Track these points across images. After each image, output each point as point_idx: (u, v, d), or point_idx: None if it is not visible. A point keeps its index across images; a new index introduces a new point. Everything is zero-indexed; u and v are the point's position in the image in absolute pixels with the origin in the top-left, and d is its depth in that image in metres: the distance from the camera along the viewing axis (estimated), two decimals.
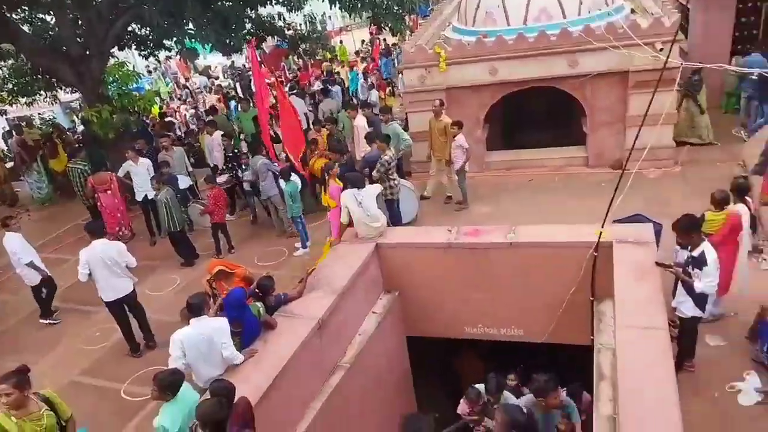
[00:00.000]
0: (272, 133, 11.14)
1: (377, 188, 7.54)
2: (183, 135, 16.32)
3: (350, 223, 7.14)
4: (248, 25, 13.07)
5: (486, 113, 10.37)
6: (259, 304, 5.49)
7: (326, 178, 8.41)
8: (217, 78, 25.83)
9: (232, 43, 12.71)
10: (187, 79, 25.64)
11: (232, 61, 24.12)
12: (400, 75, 13.70)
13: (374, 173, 8.27)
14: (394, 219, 8.45)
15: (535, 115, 11.45)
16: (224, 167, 10.64)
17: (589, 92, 9.59)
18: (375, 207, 7.10)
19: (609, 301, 5.83)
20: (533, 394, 5.08)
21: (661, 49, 8.42)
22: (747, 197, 6.09)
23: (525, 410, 4.63)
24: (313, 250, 8.65)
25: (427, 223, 8.97)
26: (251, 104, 13.52)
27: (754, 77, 9.40)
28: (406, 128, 10.72)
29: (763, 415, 5.05)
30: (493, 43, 9.67)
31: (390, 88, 17.64)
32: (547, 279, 6.35)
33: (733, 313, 6.19)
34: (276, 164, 9.46)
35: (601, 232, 5.70)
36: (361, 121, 10.14)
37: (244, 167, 10.03)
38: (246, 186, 10.02)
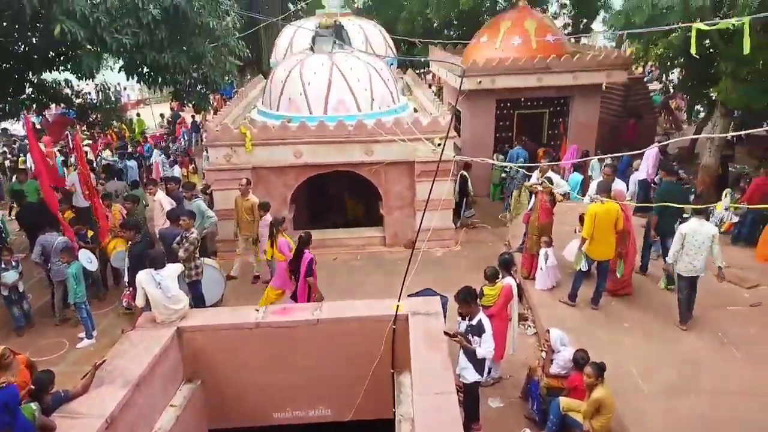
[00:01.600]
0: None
1: (178, 268, 7.18)
2: None
3: (147, 306, 6.63)
4: (29, 90, 11.81)
5: (292, 194, 10.74)
6: (33, 404, 4.70)
7: (275, 232, 8.21)
8: None
9: (7, 108, 11.32)
10: None
11: (4, 128, 21.25)
12: (204, 152, 13.50)
13: (181, 252, 7.90)
14: (198, 301, 8.09)
15: (338, 196, 12.21)
16: None
17: (383, 178, 10.61)
18: (176, 288, 6.71)
19: (407, 372, 6.26)
20: None
21: (439, 144, 9.83)
22: (512, 271, 7.24)
23: None
24: (102, 341, 7.77)
25: (233, 304, 8.75)
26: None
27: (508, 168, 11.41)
28: (210, 205, 10.50)
29: None
30: (297, 128, 10.22)
31: (193, 165, 17.19)
32: (353, 354, 6.59)
33: (508, 375, 7.11)
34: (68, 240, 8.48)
35: (398, 306, 6.20)
36: (161, 198, 9.66)
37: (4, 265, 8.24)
38: (3, 291, 8.28)
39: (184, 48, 9.94)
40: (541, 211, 8.66)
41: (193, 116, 22.38)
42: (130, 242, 8.32)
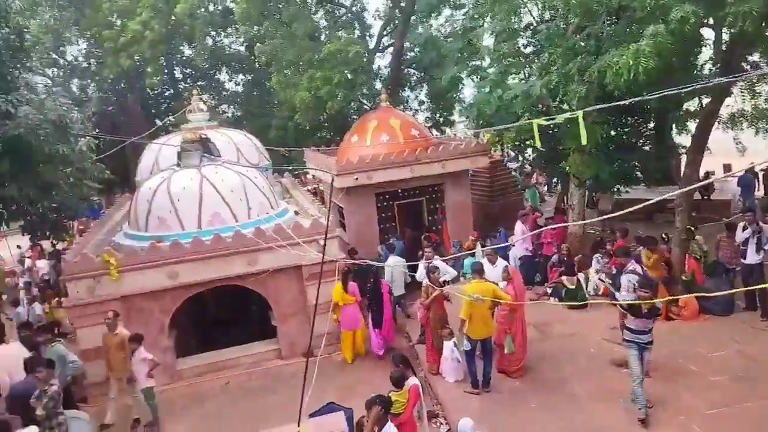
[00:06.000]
0: None
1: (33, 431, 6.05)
2: None
3: None
4: None
5: (171, 318, 9.83)
6: None
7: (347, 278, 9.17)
8: None
9: None
10: None
11: None
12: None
13: (38, 410, 6.67)
14: None
15: (225, 313, 11.42)
16: None
17: (272, 287, 10.11)
18: None
19: None
20: None
21: (324, 245, 9.66)
22: (413, 367, 6.99)
23: None
24: None
25: None
26: None
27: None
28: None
29: None
30: (169, 248, 9.55)
31: (57, 299, 15.34)
32: None
33: None
34: None
35: None
36: (7, 352, 8.27)
37: None
38: None
39: (33, 178, 9.12)
40: (437, 303, 8.63)
41: (53, 243, 20.40)
42: None
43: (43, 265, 18.41)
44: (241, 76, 28.21)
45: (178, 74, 27.91)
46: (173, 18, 20.91)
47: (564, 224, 12.67)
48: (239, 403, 8.96)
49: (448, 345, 8.38)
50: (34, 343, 8.78)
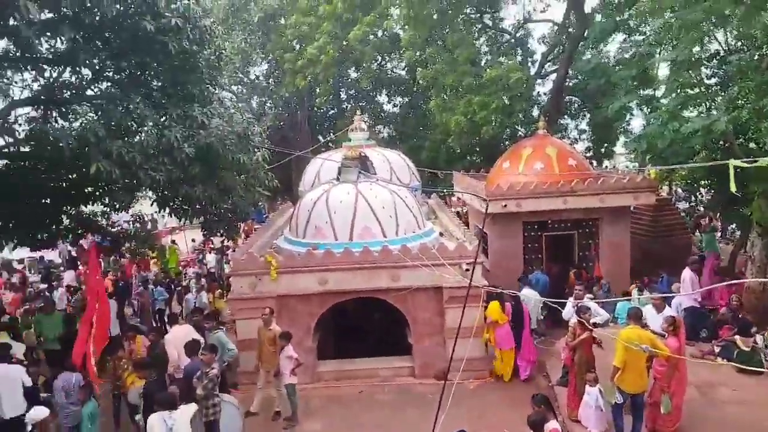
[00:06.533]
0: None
1: (192, 409, 6.76)
2: None
3: None
4: (66, 221, 12.25)
5: (316, 322, 10.43)
6: None
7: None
8: (17, 273, 22.92)
9: (44, 238, 11.67)
10: None
11: (41, 256, 21.90)
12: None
13: (199, 390, 7.49)
14: None
15: (365, 324, 11.83)
16: None
17: (411, 304, 10.27)
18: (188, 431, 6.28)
19: None
20: None
21: (467, 270, 9.58)
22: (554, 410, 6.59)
23: None
24: None
25: None
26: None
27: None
28: None
29: None
30: (322, 256, 10.18)
31: (220, 290, 17.15)
32: None
33: None
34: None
35: None
36: (180, 332, 9.40)
37: None
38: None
39: (216, 182, 10.31)
40: (584, 345, 8.09)
41: (222, 241, 22.84)
42: (145, 380, 7.98)
43: (210, 259, 20.74)
44: (399, 99, 29.35)
45: (342, 95, 29.86)
46: (345, 43, 22.47)
47: (742, 281, 11.14)
48: (371, 413, 9.18)
49: (592, 391, 7.77)
50: (201, 327, 9.90)
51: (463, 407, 8.46)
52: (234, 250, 15.53)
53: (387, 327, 11.41)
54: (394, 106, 29.77)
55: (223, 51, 11.37)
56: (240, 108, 14.00)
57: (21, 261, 22.97)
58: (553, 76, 22.66)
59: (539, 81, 23.67)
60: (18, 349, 9.52)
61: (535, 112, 21.77)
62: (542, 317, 11.87)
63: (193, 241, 25.80)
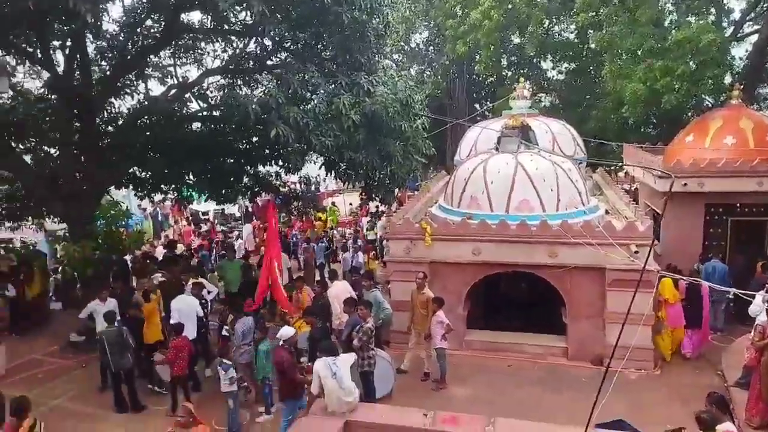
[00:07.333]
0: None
1: (352, 357, 7.25)
2: None
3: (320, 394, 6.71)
4: (246, 180, 13.68)
5: (468, 291, 10.47)
6: None
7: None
8: (205, 223, 26.29)
9: (228, 194, 13.16)
10: (176, 222, 26.04)
11: (223, 209, 24.79)
12: (385, 242, 14.06)
13: (355, 341, 8.04)
14: (368, 392, 8.03)
15: (516, 298, 11.60)
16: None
17: (569, 283, 9.80)
18: (349, 379, 6.74)
19: None
20: None
21: (636, 252, 8.84)
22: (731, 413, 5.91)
23: None
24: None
25: (402, 400, 8.50)
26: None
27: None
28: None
29: None
30: (477, 226, 10.11)
31: (374, 252, 17.98)
32: None
33: None
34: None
35: None
36: (341, 287, 10.08)
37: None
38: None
39: (377, 148, 10.70)
40: None
41: (377, 206, 23.85)
42: (311, 326, 8.72)
43: (364, 222, 21.81)
44: (565, 65, 27.51)
45: (503, 62, 28.81)
46: (510, 6, 21.56)
47: None
48: (518, 387, 9.07)
49: None
50: (359, 285, 10.51)
51: (621, 397, 7.91)
52: (389, 216, 16.10)
53: (538, 303, 11.06)
54: (560, 72, 28.00)
55: (390, 20, 11.59)
56: (403, 75, 14.26)
57: (205, 213, 26.28)
58: (754, 38, 19.54)
59: (734, 44, 20.55)
60: (212, 290, 11.01)
61: (728, 80, 19.01)
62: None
63: (350, 204, 27.28)
